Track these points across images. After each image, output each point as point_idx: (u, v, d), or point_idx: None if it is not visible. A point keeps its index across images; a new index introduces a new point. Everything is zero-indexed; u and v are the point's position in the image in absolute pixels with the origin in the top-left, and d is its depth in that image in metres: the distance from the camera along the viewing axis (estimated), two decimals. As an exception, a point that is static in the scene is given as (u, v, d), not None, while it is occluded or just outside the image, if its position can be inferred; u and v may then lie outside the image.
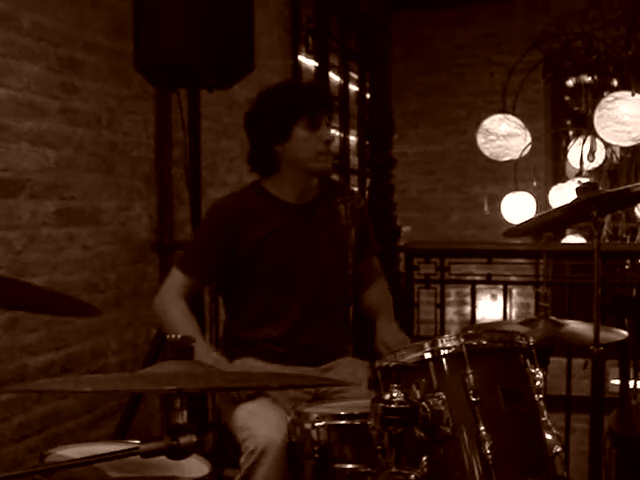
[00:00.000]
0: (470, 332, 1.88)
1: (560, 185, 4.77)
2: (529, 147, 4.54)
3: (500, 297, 4.66)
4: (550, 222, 2.53)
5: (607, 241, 5.05)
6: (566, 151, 5.03)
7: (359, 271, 2.71)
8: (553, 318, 2.38)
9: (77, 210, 3.18)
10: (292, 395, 2.42)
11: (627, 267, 4.30)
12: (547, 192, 4.92)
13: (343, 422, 2.04)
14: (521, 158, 4.57)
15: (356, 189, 6.13)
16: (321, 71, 5.54)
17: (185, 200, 3.42)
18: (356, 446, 2.01)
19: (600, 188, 2.27)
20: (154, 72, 3.11)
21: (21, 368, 2.90)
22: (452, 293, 6.88)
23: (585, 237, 5.68)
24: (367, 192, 4.49)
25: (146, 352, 3.32)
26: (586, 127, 4.41)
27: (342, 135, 6.05)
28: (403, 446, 1.75)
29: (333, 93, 5.77)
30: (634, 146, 4.58)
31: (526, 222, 2.49)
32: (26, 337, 2.92)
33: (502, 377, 1.84)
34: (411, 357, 1.82)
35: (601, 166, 4.83)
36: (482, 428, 1.73)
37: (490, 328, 2.44)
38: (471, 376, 1.77)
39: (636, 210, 5.20)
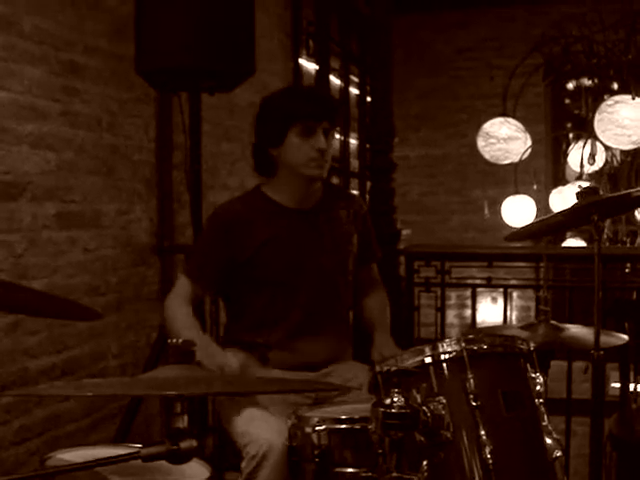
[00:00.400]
0: (471, 337, 1.88)
1: (560, 188, 4.77)
2: (529, 150, 4.55)
3: (500, 300, 4.66)
4: (551, 226, 2.53)
5: (607, 244, 5.05)
6: (566, 154, 5.03)
7: (359, 278, 2.70)
8: (554, 322, 2.38)
9: (78, 213, 3.18)
10: (293, 399, 2.42)
11: (627, 271, 4.30)
12: (547, 195, 4.93)
13: (344, 426, 2.04)
14: (521, 161, 4.58)
15: (356, 192, 6.12)
16: (322, 74, 5.53)
17: (186, 203, 3.42)
18: (357, 450, 2.01)
19: (600, 192, 2.27)
20: (155, 75, 3.12)
21: (22, 371, 2.90)
22: (452, 296, 6.88)
23: (585, 240, 5.69)
24: (367, 195, 4.50)
25: (147, 355, 3.32)
26: (586, 130, 4.41)
27: (342, 138, 6.05)
28: (404, 450, 1.74)
29: (334, 96, 5.76)
30: (634, 149, 4.59)
31: (527, 226, 2.50)
32: (27, 340, 2.92)
33: (503, 381, 1.84)
34: (412, 361, 1.82)
35: (601, 169, 4.83)
36: (482, 432, 1.73)
37: (491, 332, 2.44)
38: (472, 380, 1.77)
39: (636, 213, 5.21)
